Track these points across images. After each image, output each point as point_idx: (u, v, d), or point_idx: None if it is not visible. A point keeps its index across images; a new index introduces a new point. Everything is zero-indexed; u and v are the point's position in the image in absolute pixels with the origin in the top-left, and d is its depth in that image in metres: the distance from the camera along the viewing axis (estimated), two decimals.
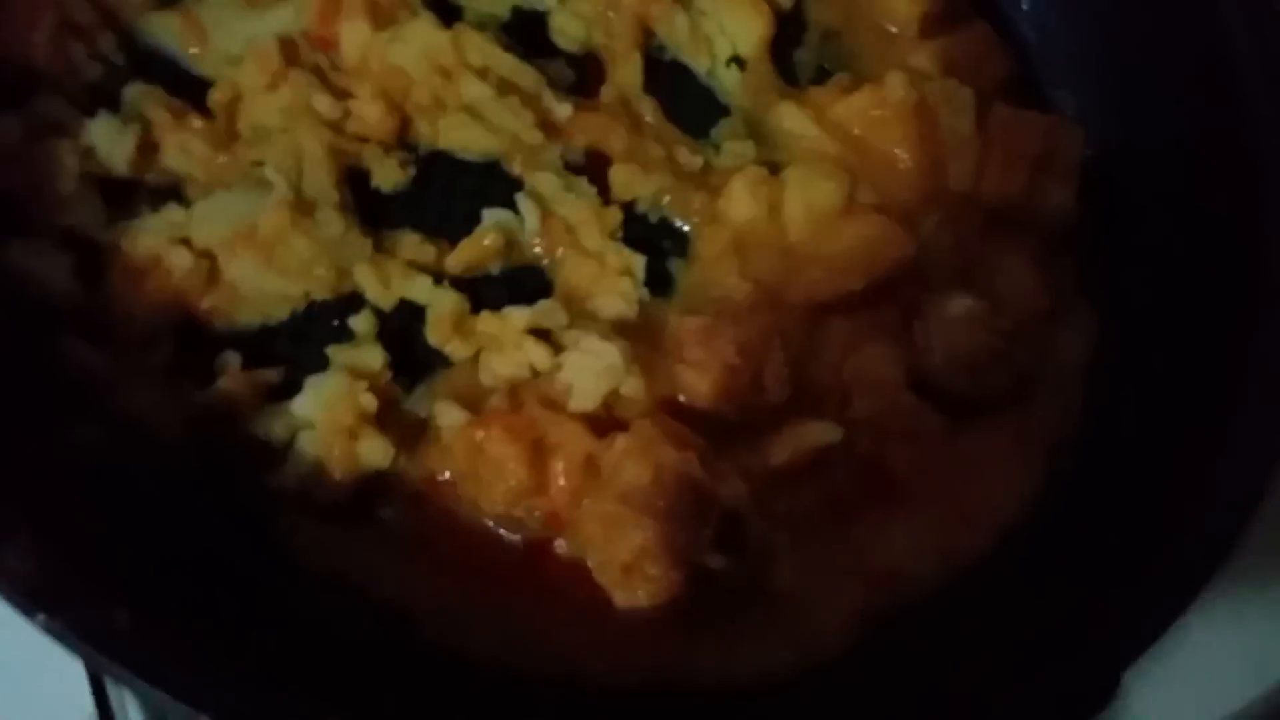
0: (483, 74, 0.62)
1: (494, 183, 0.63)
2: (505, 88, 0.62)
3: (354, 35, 0.61)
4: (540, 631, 0.54)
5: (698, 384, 0.58)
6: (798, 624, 0.56)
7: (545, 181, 0.63)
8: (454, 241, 0.61)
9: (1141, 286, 0.64)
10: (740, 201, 0.62)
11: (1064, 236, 0.67)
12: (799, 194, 0.63)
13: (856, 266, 0.62)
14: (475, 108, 0.62)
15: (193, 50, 0.61)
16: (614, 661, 0.53)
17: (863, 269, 0.62)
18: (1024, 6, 0.75)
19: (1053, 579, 0.56)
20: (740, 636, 0.55)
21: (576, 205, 0.62)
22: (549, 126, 0.63)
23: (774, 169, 0.64)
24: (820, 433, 0.57)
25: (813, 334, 0.61)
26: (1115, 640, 0.48)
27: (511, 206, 0.62)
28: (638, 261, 0.62)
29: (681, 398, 0.59)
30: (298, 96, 0.60)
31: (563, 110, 0.63)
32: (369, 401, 0.54)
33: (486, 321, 0.59)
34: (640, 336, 0.60)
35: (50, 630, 0.39)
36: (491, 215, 0.62)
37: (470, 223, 0.62)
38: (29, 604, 0.39)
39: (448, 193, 0.63)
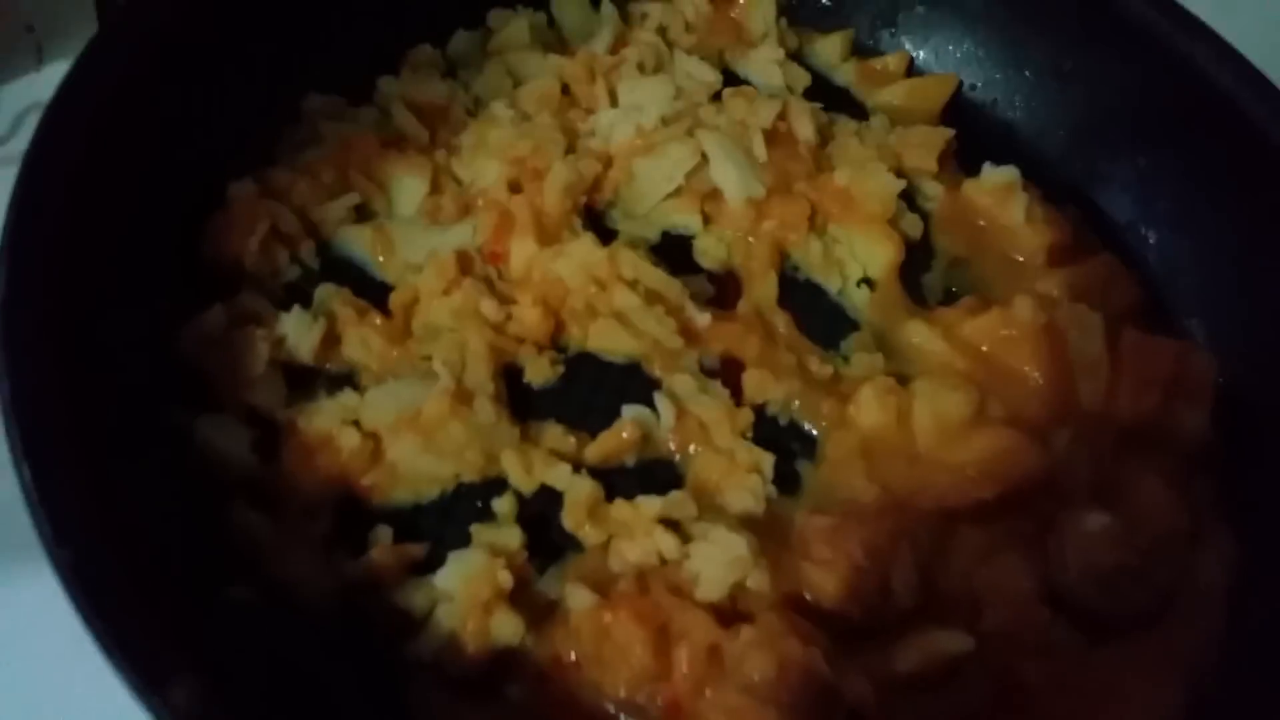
0: (633, 285, 0.68)
1: (634, 383, 0.68)
2: (651, 298, 0.68)
3: (522, 250, 0.68)
4: None
5: (824, 583, 0.59)
6: None
7: (682, 383, 0.67)
8: (594, 434, 0.65)
9: None
10: (869, 408, 0.65)
11: (1201, 458, 0.66)
12: (927, 404, 0.65)
13: (987, 477, 0.63)
14: (624, 314, 0.67)
15: (380, 258, 0.69)
16: None
17: (993, 480, 0.63)
18: (1150, 240, 0.78)
19: None
20: None
21: (710, 405, 0.66)
22: (689, 334, 0.68)
23: (902, 380, 0.67)
24: (950, 641, 0.57)
25: (943, 541, 0.61)
26: None
27: (649, 404, 0.66)
28: (766, 460, 0.64)
29: (807, 596, 0.59)
30: (468, 301, 0.66)
31: (702, 319, 0.68)
32: (505, 579, 0.57)
33: (620, 509, 0.61)
34: (767, 533, 0.61)
35: None
36: (630, 411, 0.65)
37: (610, 417, 0.65)
38: None
39: (591, 390, 0.68)
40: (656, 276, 0.68)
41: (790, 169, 0.75)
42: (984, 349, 0.69)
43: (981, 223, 0.77)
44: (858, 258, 0.74)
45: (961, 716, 0.56)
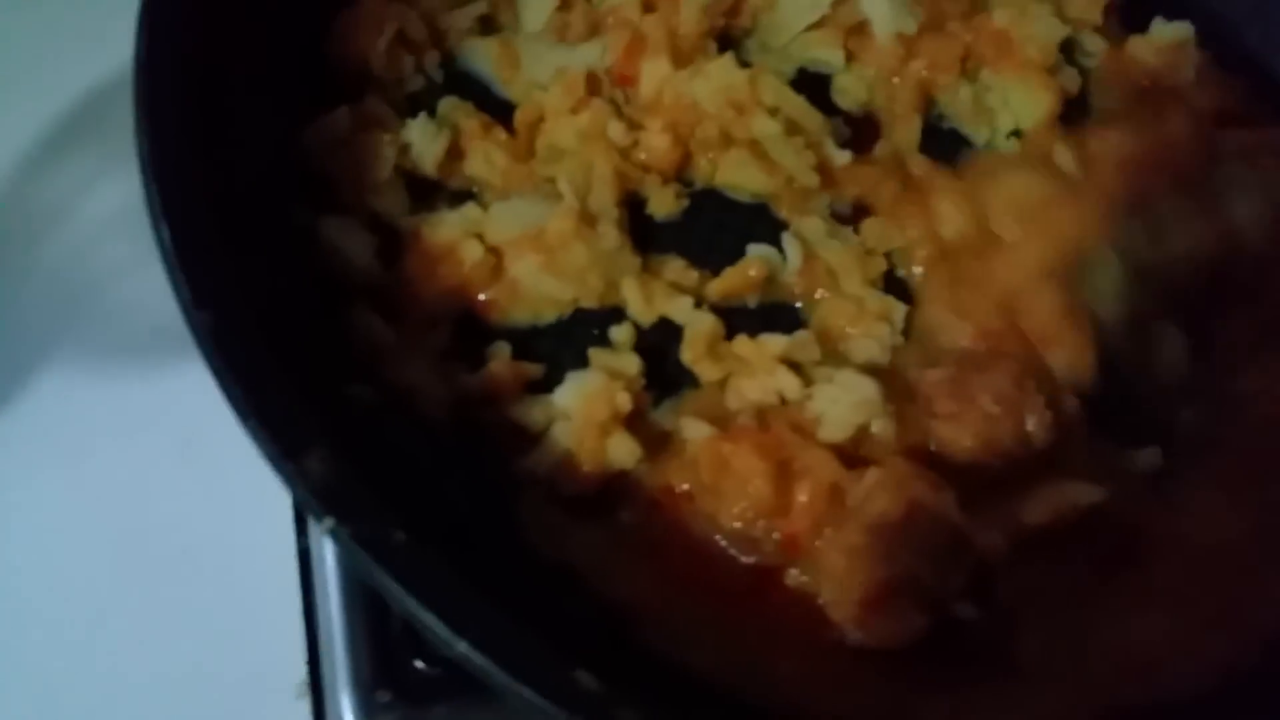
0: (773, 112, 0.64)
1: (760, 224, 0.65)
2: (792, 128, 0.64)
3: (654, 71, 0.65)
4: (762, 657, 0.52)
5: (958, 437, 0.57)
6: (1036, 701, 0.52)
7: (811, 226, 0.64)
8: (717, 272, 0.62)
9: None
10: (947, 214, 0.63)
11: None
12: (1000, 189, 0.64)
13: None
14: (760, 144, 0.64)
15: (504, 75, 0.67)
16: (837, 698, 0.50)
17: None
18: None
19: None
20: (974, 701, 0.51)
21: (840, 251, 0.63)
22: (824, 173, 0.65)
23: None
24: (1080, 493, 0.55)
25: None
26: None
27: (777, 245, 0.63)
28: (897, 308, 0.62)
29: (933, 447, 0.57)
30: (595, 123, 0.64)
31: (841, 158, 0.65)
32: (624, 401, 0.55)
33: (741, 345, 0.59)
34: (890, 384, 0.59)
35: (336, 536, 0.41)
36: (756, 249, 0.63)
37: (733, 257, 0.63)
38: (323, 509, 0.41)
39: (716, 227, 0.65)
40: (799, 105, 0.65)
41: (945, 7, 0.70)
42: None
43: (1145, 83, 0.71)
44: (1010, 108, 0.69)
45: (1088, 577, 0.54)
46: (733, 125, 0.64)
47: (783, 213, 0.65)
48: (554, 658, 0.39)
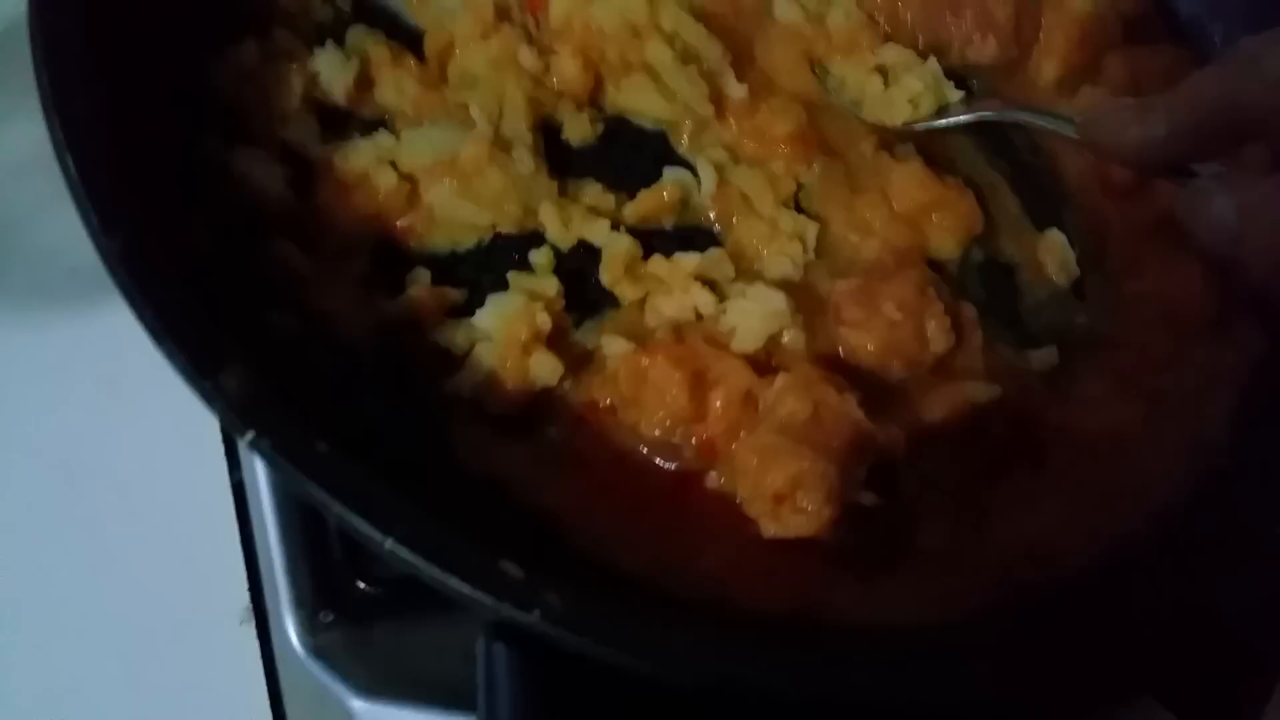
0: (671, 39, 0.65)
1: (675, 149, 0.66)
2: (688, 56, 0.66)
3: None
4: (686, 556, 0.54)
5: (863, 342, 0.59)
6: (940, 582, 0.55)
7: (715, 155, 0.65)
8: (634, 195, 0.64)
9: None
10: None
11: None
12: None
13: None
14: (655, 70, 0.65)
15: (412, 4, 0.67)
16: (756, 589, 0.53)
17: None
18: (1215, 39, 0.76)
19: (1204, 573, 0.54)
20: (881, 585, 0.54)
21: (751, 174, 0.65)
22: (720, 103, 0.66)
23: None
24: (977, 391, 0.58)
25: None
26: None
27: (692, 169, 0.65)
28: (810, 227, 0.64)
29: (841, 353, 0.60)
30: (505, 49, 0.64)
31: (737, 91, 0.66)
32: (544, 320, 0.57)
33: (656, 265, 0.61)
34: (802, 297, 0.61)
35: (257, 447, 0.42)
36: (672, 173, 0.64)
37: (651, 180, 0.64)
38: (242, 422, 0.42)
39: (632, 151, 0.66)
40: (697, 33, 0.66)
41: None
42: None
43: None
44: None
45: (984, 468, 0.58)
46: (629, 50, 0.65)
47: (684, 142, 0.66)
48: (480, 549, 0.41)
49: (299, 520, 0.60)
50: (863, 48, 0.69)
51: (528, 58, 0.64)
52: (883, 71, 0.69)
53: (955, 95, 0.69)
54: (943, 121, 0.68)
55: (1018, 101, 0.69)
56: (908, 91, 0.68)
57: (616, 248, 0.61)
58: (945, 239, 0.65)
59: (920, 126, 0.68)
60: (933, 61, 0.69)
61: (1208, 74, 0.49)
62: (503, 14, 0.65)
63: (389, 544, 0.39)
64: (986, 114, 0.67)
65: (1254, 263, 0.43)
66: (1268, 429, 0.62)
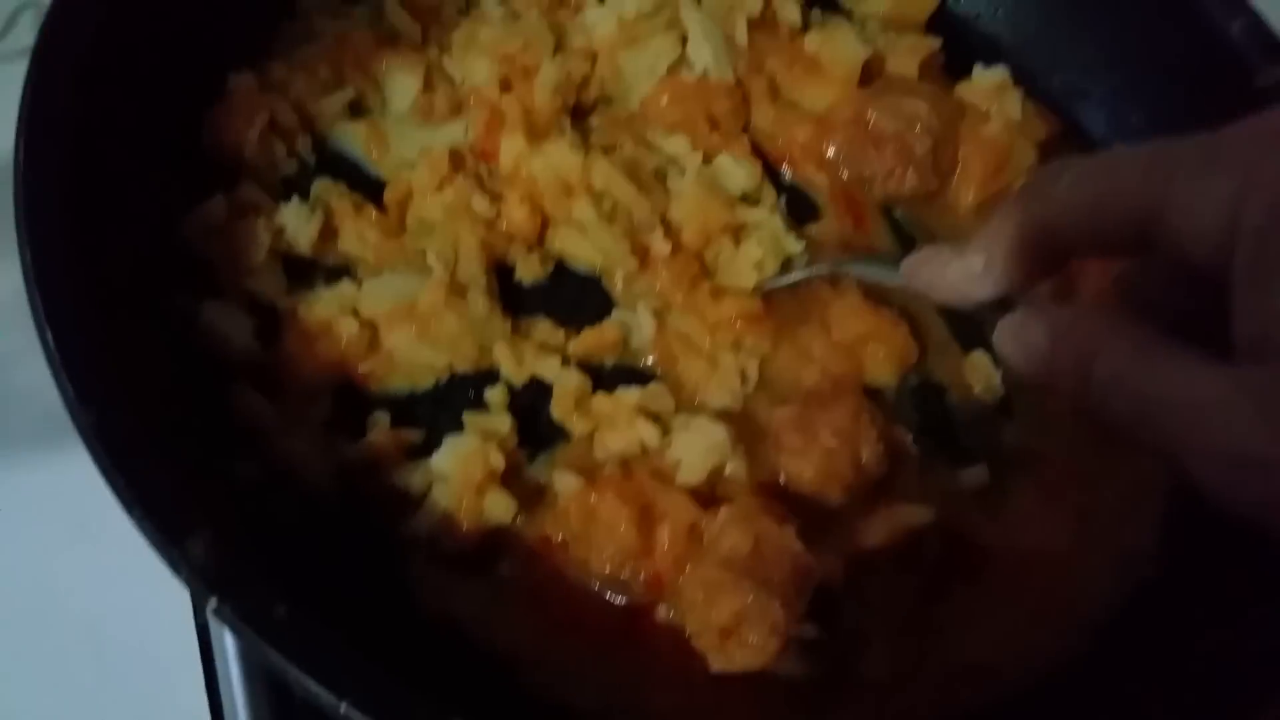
0: (599, 198, 0.69)
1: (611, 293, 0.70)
2: (615, 214, 0.69)
3: (511, 147, 0.70)
4: (639, 692, 0.57)
5: (802, 469, 0.63)
6: (887, 708, 0.58)
7: (652, 302, 0.69)
8: (582, 331, 0.67)
9: None
10: None
11: None
12: None
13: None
14: (582, 225, 0.69)
15: (374, 155, 0.71)
16: None
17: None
18: None
19: (1139, 684, 0.57)
20: (831, 715, 0.57)
21: (686, 319, 0.68)
22: (644, 258, 0.69)
23: None
24: (912, 514, 0.61)
25: None
26: None
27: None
28: (753, 364, 0.67)
29: (782, 480, 0.63)
30: (460, 197, 0.68)
31: (660, 248, 0.69)
32: (497, 460, 0.60)
33: (600, 401, 0.64)
34: (742, 427, 0.65)
35: (219, 614, 0.44)
36: (618, 313, 0.68)
37: (599, 316, 0.68)
38: (206, 589, 0.44)
39: (581, 290, 0.70)
40: (626, 191, 0.69)
41: (766, 48, 0.77)
42: None
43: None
44: None
45: (924, 590, 0.61)
46: (558, 205, 0.69)
47: (616, 287, 0.70)
48: (432, 708, 0.43)
49: (262, 667, 0.61)
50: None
51: (481, 204, 0.68)
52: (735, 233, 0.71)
53: (797, 247, 0.70)
54: (784, 279, 0.69)
55: (853, 253, 0.72)
56: (750, 257, 0.69)
57: (566, 383, 0.65)
58: (882, 368, 0.69)
59: (768, 287, 0.69)
60: (774, 219, 0.71)
61: (1011, 204, 0.49)
62: (457, 164, 0.70)
63: (343, 708, 0.42)
64: (822, 269, 0.69)
65: (1063, 384, 0.43)
66: (1192, 537, 0.65)
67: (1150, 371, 0.39)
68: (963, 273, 0.51)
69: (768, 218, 0.71)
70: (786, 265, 0.70)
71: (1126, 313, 0.46)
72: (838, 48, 0.77)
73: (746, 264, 0.69)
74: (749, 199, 0.73)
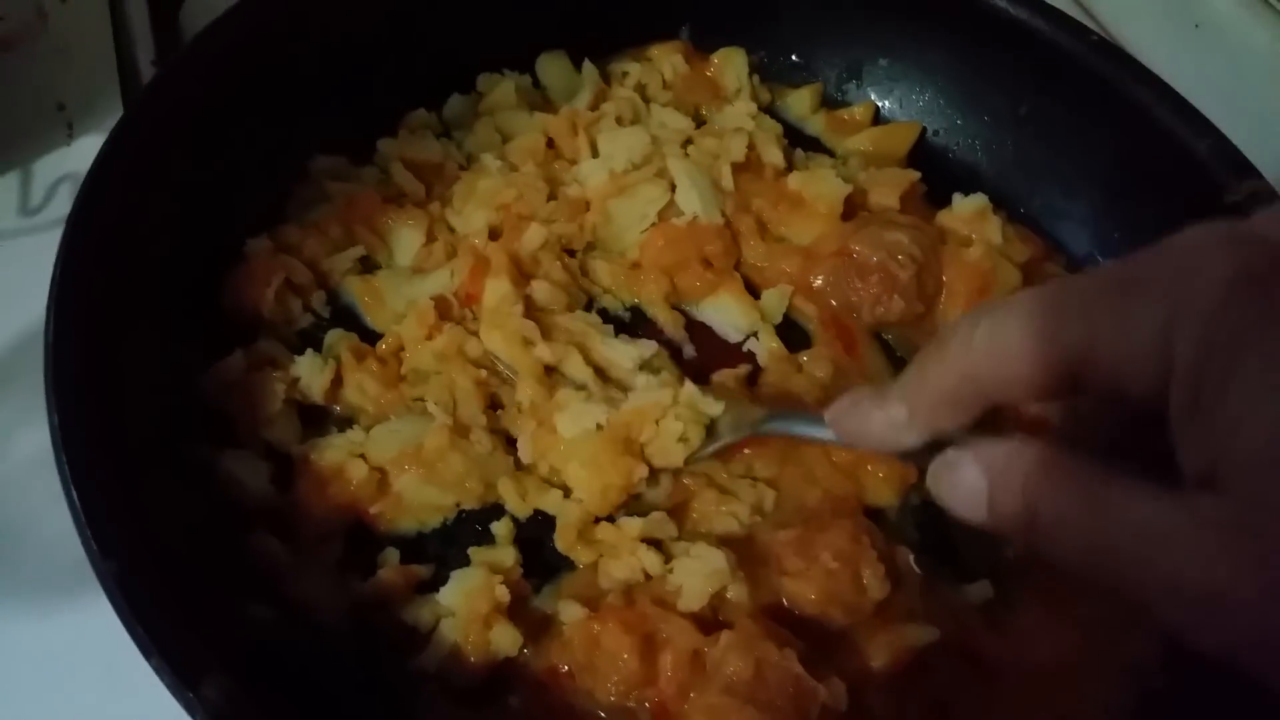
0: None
1: None
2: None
3: (495, 290, 0.73)
4: None
5: (804, 592, 0.64)
6: None
7: None
8: None
9: None
10: None
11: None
12: None
13: None
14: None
15: (370, 310, 0.75)
16: None
17: None
18: None
19: None
20: None
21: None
22: None
23: None
24: (917, 634, 0.62)
25: None
26: None
27: None
28: (769, 496, 0.69)
29: (785, 603, 0.64)
30: (450, 344, 0.71)
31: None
32: (503, 594, 0.62)
33: (604, 530, 0.66)
34: (745, 551, 0.66)
35: None
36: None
37: None
38: None
39: None
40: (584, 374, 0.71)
41: (751, 189, 0.81)
42: None
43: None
44: None
45: (929, 705, 0.61)
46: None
47: None
48: None
49: None
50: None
51: (473, 348, 0.71)
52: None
53: (716, 408, 0.68)
54: (712, 447, 0.68)
55: (778, 411, 0.69)
56: (673, 433, 0.67)
57: (569, 515, 0.67)
58: (883, 489, 0.70)
59: (701, 456, 0.68)
60: (688, 386, 0.69)
61: (928, 351, 0.47)
62: (444, 312, 0.73)
63: None
64: (747, 432, 0.68)
65: (1006, 528, 0.41)
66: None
67: (1099, 509, 0.37)
68: (885, 423, 0.50)
69: (676, 390, 0.69)
70: (712, 428, 0.68)
71: (1064, 442, 0.42)
72: (819, 185, 0.82)
73: (670, 440, 0.67)
74: (650, 368, 0.73)
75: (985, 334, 0.44)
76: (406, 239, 0.77)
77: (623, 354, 0.72)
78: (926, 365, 0.47)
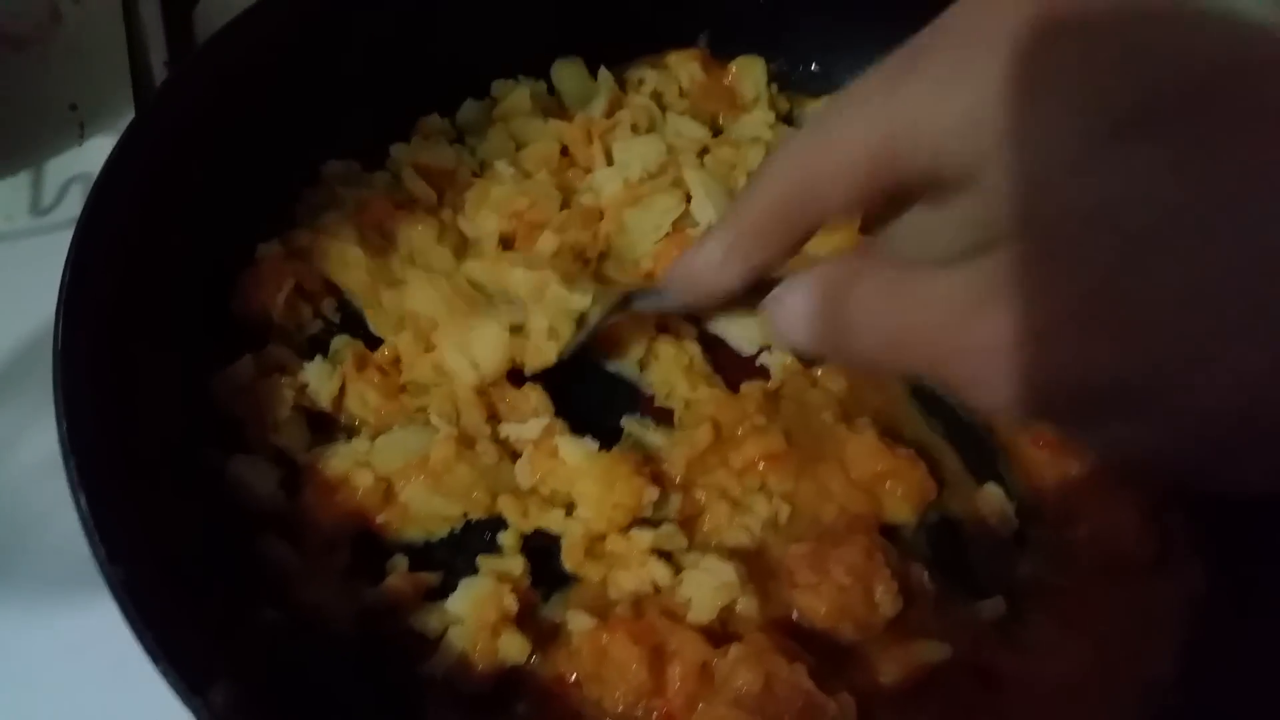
0: None
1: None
2: None
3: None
4: None
5: (815, 606, 0.63)
6: None
7: None
8: None
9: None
10: None
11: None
12: None
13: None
14: None
15: (374, 316, 0.74)
16: None
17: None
18: None
19: None
20: None
21: (714, 473, 0.69)
22: None
23: None
24: (929, 651, 0.61)
25: None
26: None
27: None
28: (784, 509, 0.68)
29: (795, 616, 0.64)
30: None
31: None
32: (511, 602, 0.61)
33: (614, 542, 0.65)
34: (755, 564, 0.66)
35: None
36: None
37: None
38: None
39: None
40: None
41: None
42: None
43: None
44: None
45: (941, 718, 0.60)
46: None
47: None
48: None
49: None
50: None
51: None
52: None
53: (585, 301, 0.69)
54: (582, 335, 0.69)
55: (637, 289, 0.69)
56: (540, 330, 0.68)
57: (574, 533, 0.66)
58: (901, 507, 0.69)
59: (572, 347, 0.69)
60: (553, 288, 0.70)
61: (764, 167, 0.45)
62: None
63: None
64: (611, 312, 0.68)
65: (824, 339, 0.42)
66: (1212, 665, 0.64)
67: (901, 293, 0.38)
68: (703, 265, 0.47)
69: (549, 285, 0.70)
70: (581, 320, 0.69)
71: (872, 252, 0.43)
72: None
73: (540, 340, 0.68)
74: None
75: (806, 132, 0.43)
76: (418, 242, 0.76)
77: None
78: (746, 187, 0.45)
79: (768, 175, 0.44)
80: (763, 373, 0.76)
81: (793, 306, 0.43)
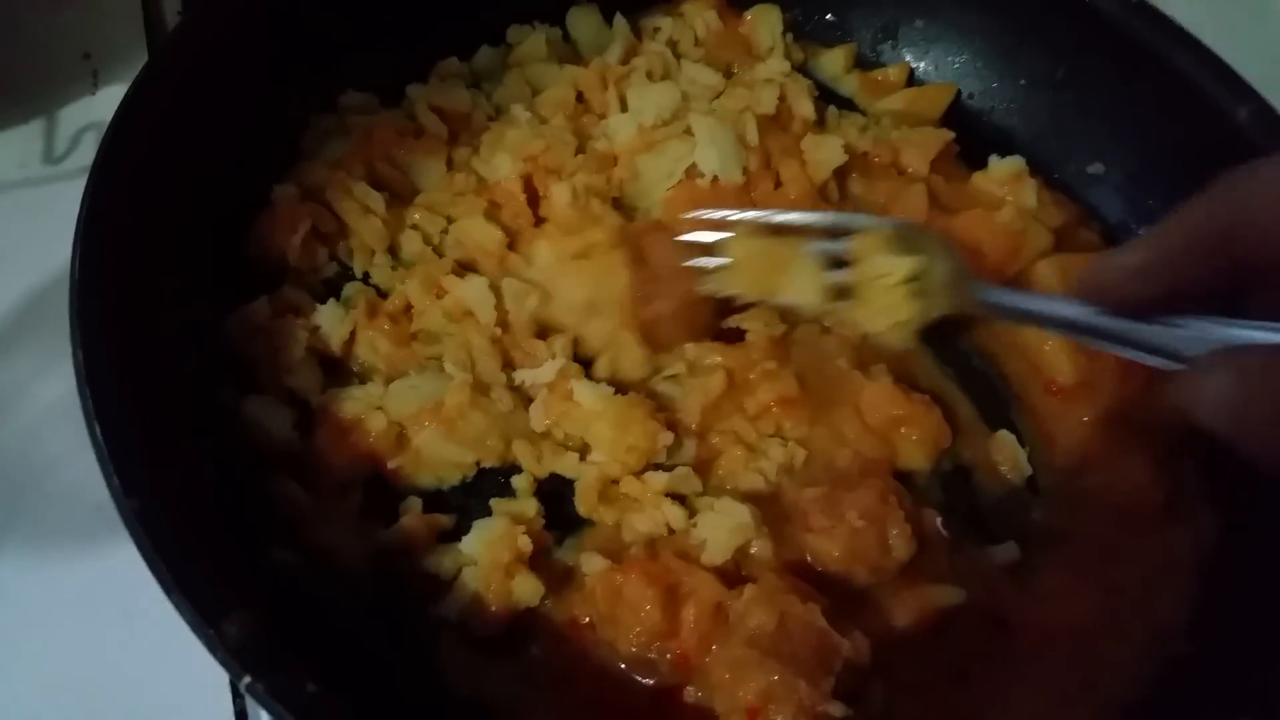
0: None
1: None
2: None
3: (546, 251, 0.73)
4: None
5: (829, 549, 0.63)
6: None
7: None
8: None
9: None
10: None
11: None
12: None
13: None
14: None
15: (377, 263, 0.74)
16: None
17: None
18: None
19: None
20: None
21: (730, 419, 0.69)
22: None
23: None
24: (942, 595, 0.61)
25: None
26: None
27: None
28: (799, 454, 0.68)
29: (809, 559, 0.64)
30: (458, 305, 0.70)
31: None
32: (525, 543, 0.61)
33: (629, 484, 0.65)
34: (770, 508, 0.66)
35: (253, 691, 0.46)
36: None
37: None
38: (240, 668, 0.46)
39: None
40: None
41: (774, 148, 0.79)
42: None
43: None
44: None
45: (954, 669, 0.60)
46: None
47: None
48: None
49: None
50: None
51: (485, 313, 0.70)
52: None
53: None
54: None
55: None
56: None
57: (588, 478, 0.66)
58: (915, 452, 0.69)
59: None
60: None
61: (1197, 199, 0.46)
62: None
63: None
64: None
65: (1252, 432, 0.41)
66: (1225, 613, 0.64)
67: None
68: (1119, 267, 0.49)
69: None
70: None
71: None
72: (819, 151, 0.80)
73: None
74: None
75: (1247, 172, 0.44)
76: (429, 169, 0.76)
77: None
78: (1190, 211, 0.46)
79: (1213, 195, 0.46)
80: None
81: (1214, 387, 0.43)
